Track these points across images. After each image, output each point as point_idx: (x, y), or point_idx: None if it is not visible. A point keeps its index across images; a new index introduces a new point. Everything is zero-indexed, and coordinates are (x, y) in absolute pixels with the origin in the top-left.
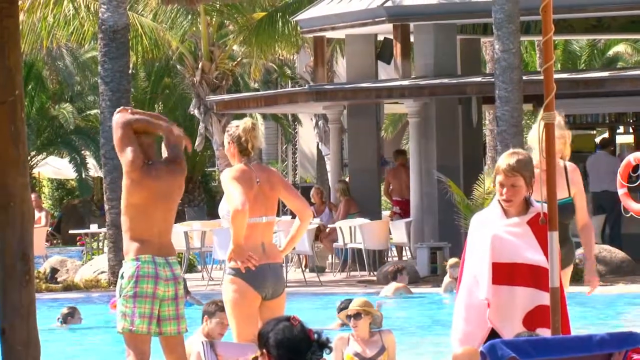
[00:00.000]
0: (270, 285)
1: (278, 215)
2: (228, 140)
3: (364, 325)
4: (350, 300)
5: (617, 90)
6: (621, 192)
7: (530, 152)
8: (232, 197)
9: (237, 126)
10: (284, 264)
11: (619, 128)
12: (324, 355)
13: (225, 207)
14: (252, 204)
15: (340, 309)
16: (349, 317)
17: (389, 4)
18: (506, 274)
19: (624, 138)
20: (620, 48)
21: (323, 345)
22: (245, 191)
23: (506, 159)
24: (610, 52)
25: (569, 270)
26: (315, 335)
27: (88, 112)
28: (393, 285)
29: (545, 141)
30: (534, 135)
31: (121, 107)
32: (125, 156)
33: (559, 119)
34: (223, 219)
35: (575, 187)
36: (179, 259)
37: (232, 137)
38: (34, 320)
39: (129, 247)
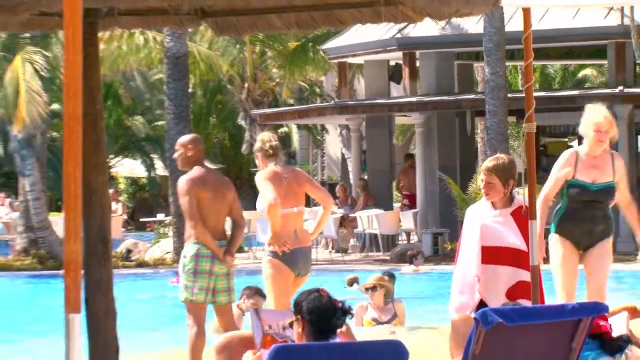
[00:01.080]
0: (302, 265)
1: (308, 206)
2: (255, 155)
3: (379, 296)
4: (354, 276)
5: (585, 105)
6: None
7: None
8: (265, 194)
9: (260, 139)
10: (313, 247)
11: None
12: (347, 320)
13: (261, 204)
14: (283, 197)
15: (350, 283)
16: (366, 289)
17: (399, 35)
18: (492, 255)
19: None
20: (587, 71)
21: (346, 312)
22: (276, 188)
23: (487, 162)
24: (580, 75)
25: (610, 240)
26: (340, 304)
27: (156, 123)
28: (411, 267)
29: (527, 146)
30: (583, 128)
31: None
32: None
33: (604, 110)
34: (262, 212)
35: (618, 173)
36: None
37: (256, 150)
38: (111, 292)
39: (191, 233)
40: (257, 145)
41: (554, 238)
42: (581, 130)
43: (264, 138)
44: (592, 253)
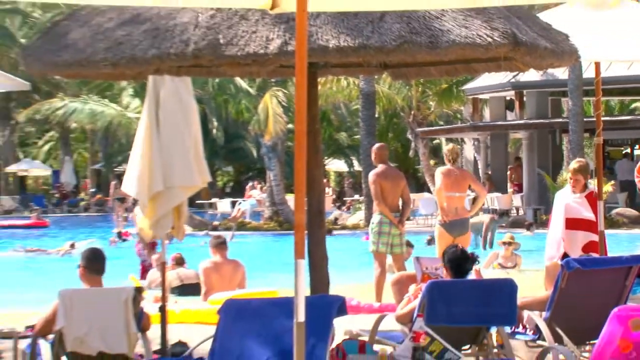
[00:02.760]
0: (458, 230)
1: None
2: (444, 154)
3: (509, 249)
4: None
5: (636, 126)
6: (637, 180)
7: None
8: (436, 182)
9: (446, 149)
10: (468, 218)
11: (636, 146)
12: (476, 265)
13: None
14: (450, 186)
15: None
16: (503, 243)
17: (512, 80)
18: (573, 224)
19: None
20: (637, 104)
21: (474, 260)
22: (444, 179)
23: (572, 164)
24: (632, 106)
25: None
26: (471, 255)
27: (354, 137)
28: (527, 233)
29: (596, 153)
30: None
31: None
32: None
33: None
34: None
35: None
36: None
37: (444, 154)
38: (324, 245)
39: (376, 208)
40: (446, 149)
41: None
42: None
43: (451, 148)
44: None
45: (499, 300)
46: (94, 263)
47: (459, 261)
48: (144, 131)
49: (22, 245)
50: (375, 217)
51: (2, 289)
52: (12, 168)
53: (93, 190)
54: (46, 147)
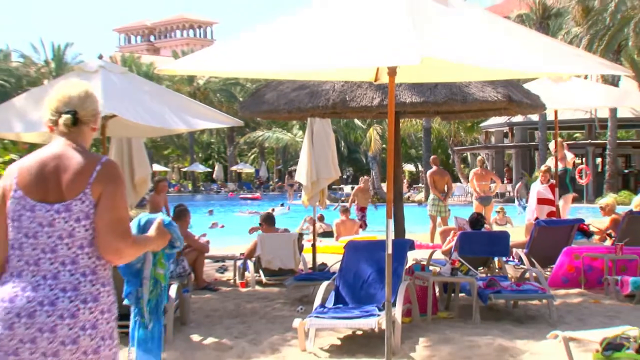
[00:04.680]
0: (485, 202)
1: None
2: (477, 163)
3: (501, 214)
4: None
5: (576, 147)
6: (577, 176)
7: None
8: (470, 177)
9: (477, 159)
10: (491, 196)
11: (577, 159)
12: (487, 225)
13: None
14: (479, 178)
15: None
16: (497, 212)
17: (508, 121)
18: (541, 201)
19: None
20: (577, 134)
21: (484, 218)
22: (476, 176)
23: (542, 168)
24: (574, 136)
25: (570, 194)
26: (481, 216)
27: (419, 151)
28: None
29: (555, 162)
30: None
31: None
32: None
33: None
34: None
35: (569, 164)
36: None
37: (476, 161)
38: (403, 211)
39: (431, 190)
40: (477, 159)
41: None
42: (551, 147)
43: (480, 159)
44: (562, 200)
45: (499, 243)
46: (267, 220)
47: (476, 222)
48: (305, 148)
49: (248, 209)
50: (430, 195)
51: (236, 234)
52: (234, 168)
53: (276, 180)
54: (252, 157)
